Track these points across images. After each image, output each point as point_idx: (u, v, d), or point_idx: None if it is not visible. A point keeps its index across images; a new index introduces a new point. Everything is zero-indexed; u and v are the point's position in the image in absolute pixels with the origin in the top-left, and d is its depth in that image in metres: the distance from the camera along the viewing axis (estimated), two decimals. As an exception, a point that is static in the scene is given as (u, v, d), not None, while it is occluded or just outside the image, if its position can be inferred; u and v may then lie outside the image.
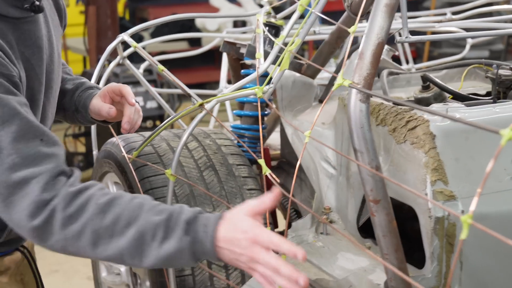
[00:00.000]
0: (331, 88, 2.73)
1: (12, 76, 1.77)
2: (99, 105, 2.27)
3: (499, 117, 2.15)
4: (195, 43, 8.64)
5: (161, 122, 6.06)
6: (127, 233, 1.65)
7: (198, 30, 8.81)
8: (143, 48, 3.07)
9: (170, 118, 2.41)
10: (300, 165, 2.62)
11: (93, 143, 3.19)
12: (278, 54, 2.26)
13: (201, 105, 2.19)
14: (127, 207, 1.68)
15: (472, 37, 4.36)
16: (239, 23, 8.62)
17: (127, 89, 2.27)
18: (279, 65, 2.15)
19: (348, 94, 1.78)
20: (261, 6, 9.03)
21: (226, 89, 3.57)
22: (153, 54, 6.50)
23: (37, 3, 1.90)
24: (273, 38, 2.42)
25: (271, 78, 2.20)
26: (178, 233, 1.63)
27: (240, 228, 1.61)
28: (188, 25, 8.73)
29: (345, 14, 2.48)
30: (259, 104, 2.10)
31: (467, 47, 4.39)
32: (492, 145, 2.04)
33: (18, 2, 1.86)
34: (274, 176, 1.92)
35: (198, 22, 8.79)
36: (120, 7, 9.01)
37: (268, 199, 1.64)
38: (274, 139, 3.19)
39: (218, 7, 8.96)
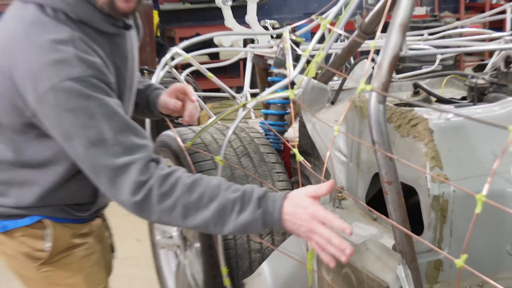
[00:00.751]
0: (340, 91, 2.75)
1: (110, 82, 1.79)
2: (167, 100, 2.29)
3: (482, 117, 2.16)
4: (214, 56, 8.63)
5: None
6: (210, 207, 1.69)
7: (215, 46, 8.79)
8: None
9: (219, 114, 2.40)
10: (317, 153, 2.64)
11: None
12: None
13: (244, 105, 2.19)
14: (208, 186, 1.72)
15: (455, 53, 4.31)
16: (248, 41, 8.61)
17: (190, 89, 2.29)
18: (306, 73, 2.15)
19: (369, 96, 1.77)
20: (265, 28, 9.06)
21: (248, 93, 3.58)
22: (182, 65, 6.51)
23: (127, 22, 1.93)
24: (299, 51, 2.41)
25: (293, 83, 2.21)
26: (252, 206, 1.67)
27: (301, 205, 1.67)
28: (208, 42, 8.70)
29: (355, 32, 2.46)
30: (291, 105, 2.09)
31: (437, 61, 4.38)
32: (474, 139, 2.08)
33: (115, 21, 1.88)
34: (306, 162, 1.91)
35: (215, 39, 8.77)
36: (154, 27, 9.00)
37: (324, 186, 1.69)
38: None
39: (231, 27, 8.95)
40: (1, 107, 1.83)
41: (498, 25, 8.06)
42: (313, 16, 2.55)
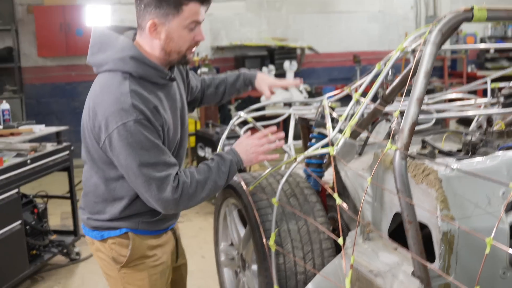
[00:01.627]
0: (366, 145, 2.71)
1: (156, 124, 1.94)
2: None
3: (478, 168, 2.10)
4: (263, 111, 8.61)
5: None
6: (209, 183, 2.01)
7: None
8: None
9: (274, 166, 2.39)
10: (347, 193, 2.60)
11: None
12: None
13: (295, 158, 2.17)
14: (209, 175, 2.01)
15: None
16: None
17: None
18: (343, 134, 2.12)
19: (394, 154, 1.74)
20: (300, 91, 9.07)
21: (292, 144, 3.57)
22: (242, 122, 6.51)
23: (173, 76, 2.06)
24: (336, 116, 2.39)
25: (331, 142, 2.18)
26: (224, 165, 2.04)
27: (243, 141, 2.12)
28: (257, 102, 8.73)
29: (378, 101, 2.44)
30: (332, 158, 2.06)
31: (433, 120, 4.30)
32: (473, 185, 2.02)
33: (164, 75, 2.02)
34: (345, 204, 1.87)
35: (262, 99, 8.79)
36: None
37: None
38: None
39: (274, 91, 8.95)
40: (92, 145, 2.01)
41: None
42: (345, 88, 2.52)
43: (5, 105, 4.52)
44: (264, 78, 2.48)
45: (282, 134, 2.11)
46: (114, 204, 2.07)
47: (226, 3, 10.01)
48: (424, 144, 2.54)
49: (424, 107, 3.75)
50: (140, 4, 1.96)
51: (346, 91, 2.52)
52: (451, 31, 1.88)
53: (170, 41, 1.97)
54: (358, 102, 2.27)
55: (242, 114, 2.91)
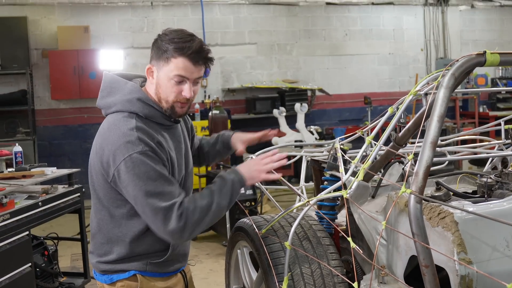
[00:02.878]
0: (379, 188, 2.70)
1: (162, 156, 2.03)
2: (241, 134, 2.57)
3: (494, 211, 2.08)
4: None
5: (255, 203, 6.08)
6: (220, 206, 2.05)
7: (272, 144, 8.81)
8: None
9: (286, 209, 2.38)
10: (361, 236, 2.57)
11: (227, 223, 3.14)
12: (354, 169, 2.25)
13: (308, 202, 2.16)
14: (212, 198, 2.03)
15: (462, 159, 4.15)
16: (299, 142, 8.63)
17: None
18: (356, 177, 2.11)
19: (409, 198, 1.73)
20: (311, 132, 9.10)
21: (304, 186, 3.55)
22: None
23: (177, 119, 2.17)
24: (349, 159, 2.39)
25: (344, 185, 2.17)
26: (229, 183, 2.07)
27: (247, 162, 2.16)
28: (268, 143, 8.72)
29: (391, 144, 2.44)
30: (345, 200, 2.04)
31: (446, 162, 4.25)
32: (490, 228, 2.00)
33: (168, 117, 2.13)
34: (358, 248, 1.85)
35: (273, 140, 8.82)
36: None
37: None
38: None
39: (285, 132, 9.00)
40: (98, 183, 2.09)
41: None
42: (358, 131, 2.53)
43: (18, 148, 4.56)
44: (239, 135, 2.56)
45: (284, 154, 2.19)
46: (121, 244, 2.11)
47: (237, 47, 10.16)
48: (438, 186, 2.52)
49: (437, 148, 3.75)
50: (151, 50, 2.12)
51: (358, 133, 2.52)
52: (464, 75, 1.89)
53: (159, 87, 2.10)
54: (371, 144, 2.27)
55: (252, 157, 2.91)
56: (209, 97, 9.24)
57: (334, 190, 2.28)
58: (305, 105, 8.86)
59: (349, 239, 1.88)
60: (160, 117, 2.11)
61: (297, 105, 8.81)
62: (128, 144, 1.97)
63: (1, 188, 3.82)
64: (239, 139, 2.54)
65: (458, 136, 3.86)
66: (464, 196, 2.49)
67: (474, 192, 2.62)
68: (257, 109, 9.96)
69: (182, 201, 1.98)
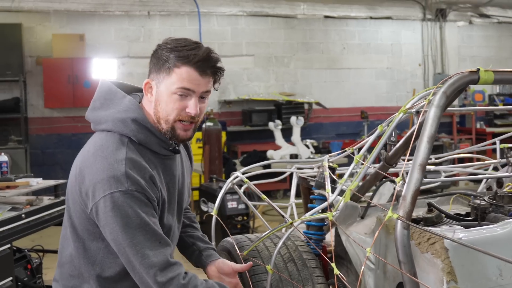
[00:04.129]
0: (368, 208, 2.60)
1: (151, 197, 1.74)
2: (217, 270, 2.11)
3: (487, 237, 1.97)
4: (267, 167, 8.55)
5: (247, 218, 5.97)
6: None
7: (268, 159, 8.72)
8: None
9: (268, 231, 2.27)
10: (349, 258, 2.47)
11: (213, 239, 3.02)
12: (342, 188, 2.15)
13: (291, 223, 2.06)
14: None
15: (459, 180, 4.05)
16: (293, 155, 8.54)
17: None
18: (342, 198, 2.02)
19: (396, 223, 1.63)
20: (307, 146, 9.00)
21: (294, 203, 3.45)
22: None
23: (176, 148, 1.86)
24: (336, 179, 2.29)
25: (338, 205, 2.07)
26: None
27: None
28: (263, 156, 8.65)
29: (381, 163, 2.34)
30: (330, 223, 1.94)
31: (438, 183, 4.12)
32: (482, 255, 1.89)
33: (166, 145, 1.84)
34: (342, 275, 1.75)
35: (268, 153, 8.71)
36: (222, 144, 9.03)
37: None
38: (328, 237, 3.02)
39: (280, 145, 8.90)
40: (75, 211, 1.81)
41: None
42: (348, 149, 2.43)
43: (3, 157, 4.46)
44: (215, 270, 2.10)
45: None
46: (92, 282, 1.82)
47: (235, 58, 10.10)
48: (430, 207, 2.42)
49: (431, 167, 3.65)
50: (150, 63, 1.84)
51: (348, 151, 2.42)
52: (456, 93, 1.79)
53: (158, 105, 1.79)
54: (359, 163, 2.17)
55: (239, 174, 2.81)
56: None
57: (322, 210, 2.18)
58: (301, 119, 8.77)
59: (333, 265, 1.77)
60: (157, 145, 1.80)
61: (293, 119, 8.72)
62: (111, 179, 1.67)
63: (-18, 199, 3.71)
64: (215, 276, 2.09)
65: (452, 155, 3.77)
66: (456, 218, 2.39)
67: (468, 214, 2.52)
68: (253, 121, 9.88)
69: (169, 263, 1.70)
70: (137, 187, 1.68)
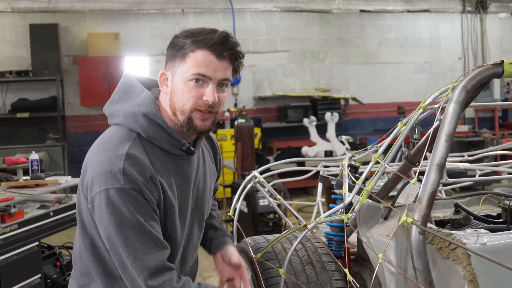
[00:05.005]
0: (392, 210, 2.47)
1: (150, 198, 1.63)
2: (224, 262, 2.00)
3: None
4: (301, 164, 8.45)
5: (279, 216, 5.88)
6: None
7: (302, 156, 8.60)
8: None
9: (283, 232, 2.18)
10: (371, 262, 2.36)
11: (234, 239, 2.95)
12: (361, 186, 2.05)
13: (305, 225, 1.96)
14: None
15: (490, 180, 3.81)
16: (328, 153, 8.41)
17: (245, 273, 1.99)
18: (358, 200, 1.91)
19: (410, 228, 1.52)
20: (342, 142, 8.85)
21: (320, 202, 3.35)
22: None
23: (192, 149, 1.74)
24: (354, 179, 2.18)
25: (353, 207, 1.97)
26: None
27: None
28: (297, 152, 8.55)
29: (403, 162, 2.22)
30: (345, 227, 1.84)
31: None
32: (509, 262, 1.76)
33: (179, 144, 1.71)
34: (355, 281, 1.65)
35: (303, 150, 8.60)
36: (257, 141, 8.98)
37: None
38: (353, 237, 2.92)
39: (315, 141, 8.78)
40: (83, 204, 1.72)
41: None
42: (368, 147, 2.32)
43: (34, 156, 4.49)
44: (219, 260, 2.02)
45: None
46: (100, 281, 1.74)
47: (269, 54, 10.01)
48: (457, 208, 2.29)
49: (465, 164, 3.48)
50: (166, 56, 1.73)
51: (369, 150, 2.31)
52: (478, 88, 1.66)
53: (174, 95, 1.67)
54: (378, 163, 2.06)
55: (256, 174, 2.73)
56: (235, 105, 9.13)
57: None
58: (336, 114, 8.63)
59: (346, 270, 1.67)
60: (167, 143, 1.69)
61: (328, 114, 8.58)
62: (108, 174, 1.58)
63: (10, 198, 3.74)
64: (219, 262, 2.00)
65: (487, 151, 3.60)
66: (486, 220, 2.25)
67: (499, 216, 2.38)
68: (288, 117, 9.77)
69: (163, 267, 1.61)
70: (134, 186, 1.59)
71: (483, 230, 1.99)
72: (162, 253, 1.63)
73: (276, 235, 2.52)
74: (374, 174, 1.90)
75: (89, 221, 1.71)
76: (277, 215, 5.83)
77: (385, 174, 2.65)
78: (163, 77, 1.70)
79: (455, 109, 1.61)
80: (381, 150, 2.06)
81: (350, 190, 2.21)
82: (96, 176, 1.61)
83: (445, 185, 2.96)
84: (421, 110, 1.82)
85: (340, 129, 9.81)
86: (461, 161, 3.45)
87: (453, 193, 5.60)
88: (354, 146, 9.42)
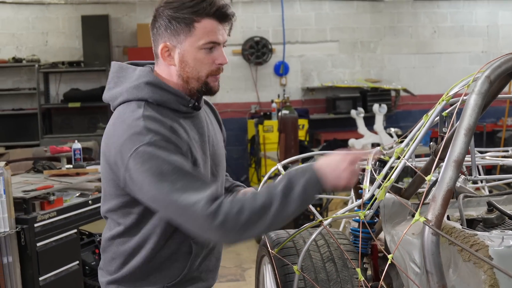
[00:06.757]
0: (420, 206, 2.36)
1: (178, 145, 1.69)
2: None
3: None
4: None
5: (320, 209, 5.79)
6: (280, 214, 1.60)
7: (349, 148, 8.43)
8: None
9: (300, 228, 2.11)
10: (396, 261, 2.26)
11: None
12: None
13: (321, 221, 1.89)
14: (269, 203, 1.59)
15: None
16: (375, 145, 8.23)
17: None
18: (375, 197, 1.82)
19: (423, 228, 1.43)
20: (390, 135, 8.63)
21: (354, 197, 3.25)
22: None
23: (196, 104, 1.83)
24: (375, 175, 2.08)
25: (372, 204, 1.88)
26: (299, 187, 1.60)
27: (329, 157, 1.66)
28: (343, 145, 8.38)
29: (430, 157, 2.11)
30: (360, 224, 1.76)
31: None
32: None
33: (185, 102, 1.80)
34: (366, 282, 1.57)
35: (350, 142, 8.42)
36: (303, 133, 8.88)
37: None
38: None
39: (363, 133, 8.58)
40: (110, 191, 1.77)
41: None
42: (394, 142, 2.21)
43: (77, 145, 4.57)
44: None
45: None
46: (133, 257, 1.80)
47: (318, 44, 9.86)
48: (490, 207, 2.15)
49: (509, 160, 3.30)
50: (153, 28, 1.79)
51: (395, 147, 2.21)
52: (504, 78, 1.54)
53: (185, 65, 1.75)
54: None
55: (279, 167, 2.67)
56: (278, 96, 8.98)
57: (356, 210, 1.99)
58: (384, 106, 8.40)
59: (358, 270, 1.59)
60: (175, 102, 1.77)
61: (376, 106, 8.37)
62: (133, 136, 1.64)
63: (49, 186, 3.82)
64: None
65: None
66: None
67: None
68: (337, 109, 9.60)
69: (216, 196, 1.61)
70: (161, 137, 1.65)
71: (510, 232, 1.86)
72: (212, 186, 1.65)
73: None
74: (394, 170, 1.80)
75: (117, 204, 1.76)
76: (318, 208, 5.75)
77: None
78: (164, 50, 1.76)
79: (477, 101, 1.50)
80: (403, 144, 1.95)
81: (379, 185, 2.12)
82: (122, 145, 1.66)
83: (474, 182, 2.80)
84: (444, 102, 1.71)
85: (391, 121, 9.56)
86: (504, 157, 3.26)
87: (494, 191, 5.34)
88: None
